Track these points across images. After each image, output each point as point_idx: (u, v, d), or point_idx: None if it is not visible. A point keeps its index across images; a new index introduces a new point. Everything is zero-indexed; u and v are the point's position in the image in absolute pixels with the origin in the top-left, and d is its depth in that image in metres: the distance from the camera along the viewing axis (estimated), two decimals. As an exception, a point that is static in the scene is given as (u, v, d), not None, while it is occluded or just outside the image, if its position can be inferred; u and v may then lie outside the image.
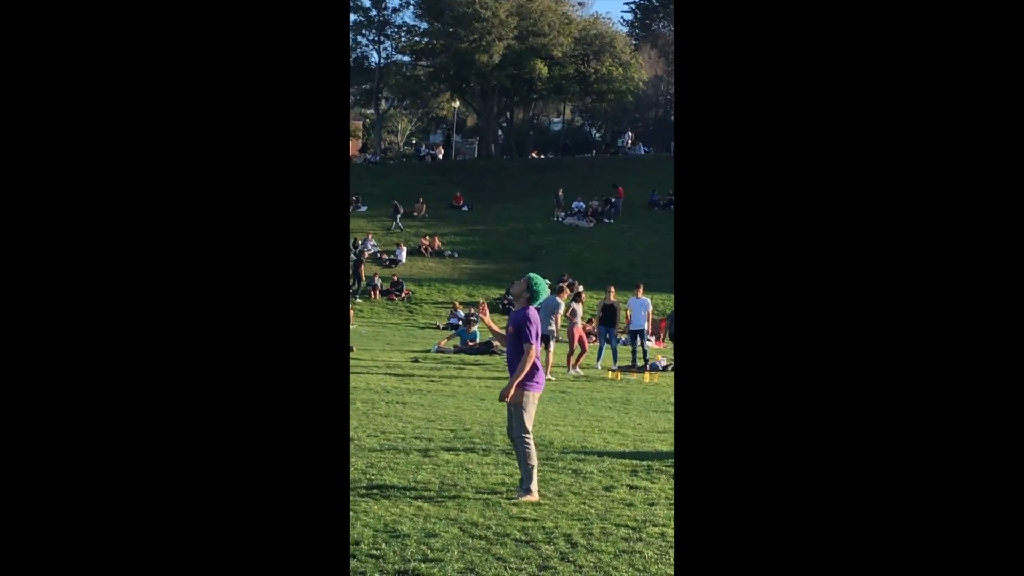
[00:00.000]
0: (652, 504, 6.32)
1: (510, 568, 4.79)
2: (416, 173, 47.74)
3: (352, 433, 8.61)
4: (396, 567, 4.73)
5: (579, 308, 16.98)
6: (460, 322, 24.27)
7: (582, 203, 40.26)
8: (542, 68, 49.51)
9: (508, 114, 56.84)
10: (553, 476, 7.11)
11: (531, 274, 6.76)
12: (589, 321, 21.05)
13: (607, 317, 17.58)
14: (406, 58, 55.70)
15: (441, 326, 27.25)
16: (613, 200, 40.22)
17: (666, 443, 8.81)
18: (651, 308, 18.65)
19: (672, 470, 7.21)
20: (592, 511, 6.07)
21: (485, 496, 6.37)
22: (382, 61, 55.23)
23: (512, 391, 6.49)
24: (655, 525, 5.74)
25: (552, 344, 15.12)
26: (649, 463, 7.75)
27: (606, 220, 39.58)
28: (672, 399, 11.95)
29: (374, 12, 53.93)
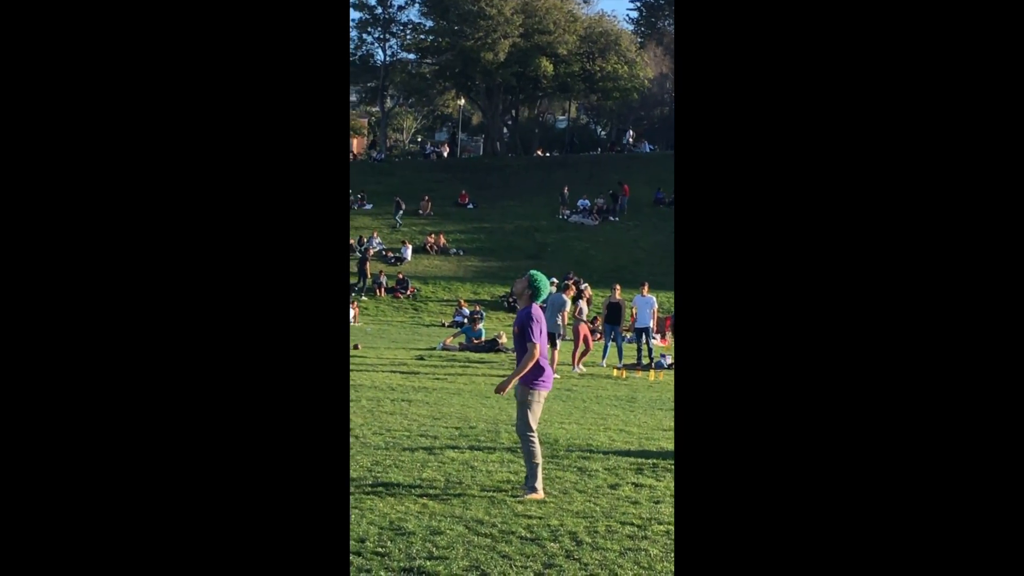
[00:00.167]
0: (657, 502, 6.31)
1: (515, 566, 4.79)
2: (421, 171, 47.81)
3: (357, 431, 8.62)
4: (401, 564, 4.73)
5: (584, 306, 16.98)
6: (465, 320, 24.31)
7: (587, 201, 40.25)
8: (547, 66, 49.47)
9: (513, 112, 56.84)
10: (558, 474, 7.11)
11: (532, 271, 6.73)
12: (594, 319, 21.06)
13: (612, 315, 17.58)
14: (411, 56, 55.73)
15: (446, 324, 27.27)
16: (618, 197, 40.21)
17: (671, 441, 8.80)
18: (656, 306, 18.64)
19: (677, 468, 7.20)
20: (597, 509, 6.07)
21: (490, 494, 6.37)
22: (387, 59, 55.24)
23: (509, 385, 6.49)
24: (660, 523, 5.73)
25: (559, 342, 15.12)
26: (654, 461, 7.75)
27: (611, 218, 39.56)
28: (677, 397, 11.92)
29: (379, 10, 53.91)
